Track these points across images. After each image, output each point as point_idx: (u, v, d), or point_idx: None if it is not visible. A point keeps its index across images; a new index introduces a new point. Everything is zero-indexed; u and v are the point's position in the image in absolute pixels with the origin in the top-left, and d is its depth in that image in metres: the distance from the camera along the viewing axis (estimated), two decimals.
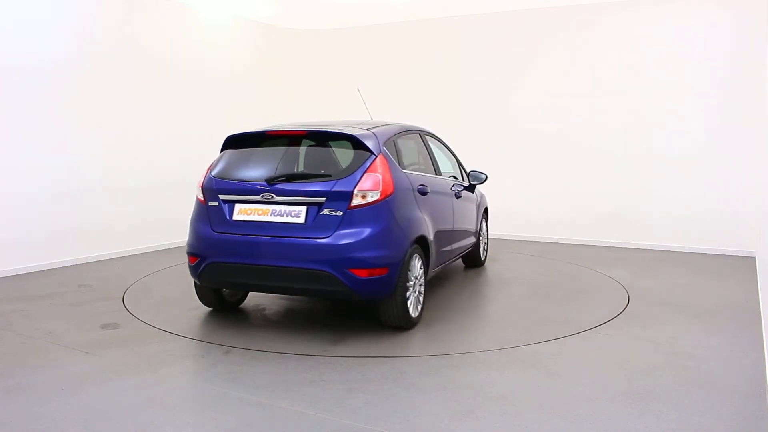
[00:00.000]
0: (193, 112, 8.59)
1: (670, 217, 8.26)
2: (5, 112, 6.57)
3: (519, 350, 4.40)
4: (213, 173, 4.94)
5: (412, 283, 4.77)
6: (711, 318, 5.20)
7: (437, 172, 5.81)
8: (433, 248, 5.17)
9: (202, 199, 4.90)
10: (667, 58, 8.14)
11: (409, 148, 5.55)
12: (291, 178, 4.68)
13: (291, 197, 4.54)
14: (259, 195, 4.61)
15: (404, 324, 4.73)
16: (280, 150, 4.94)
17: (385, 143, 4.82)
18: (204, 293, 5.23)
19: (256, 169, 4.86)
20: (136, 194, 7.87)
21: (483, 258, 7.32)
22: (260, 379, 3.83)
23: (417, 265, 4.87)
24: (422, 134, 5.89)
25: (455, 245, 6.01)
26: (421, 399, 3.55)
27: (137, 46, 7.91)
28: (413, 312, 4.82)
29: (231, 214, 4.71)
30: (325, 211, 4.44)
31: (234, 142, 5.10)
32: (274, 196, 4.56)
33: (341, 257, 4.35)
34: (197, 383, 3.78)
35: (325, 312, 5.37)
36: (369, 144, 4.64)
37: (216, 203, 4.79)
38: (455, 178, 6.37)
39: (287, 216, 4.53)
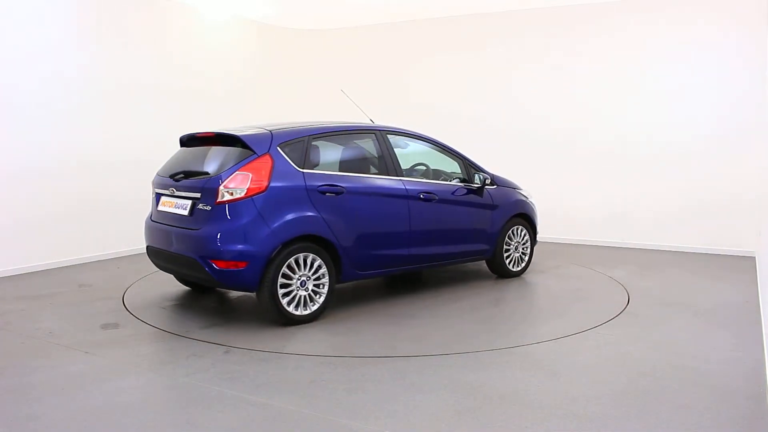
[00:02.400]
0: (193, 112, 8.57)
1: (670, 217, 8.26)
2: (5, 115, 6.58)
3: (519, 350, 4.40)
4: (158, 169, 5.58)
5: (295, 281, 4.89)
6: (711, 318, 5.20)
7: (393, 172, 5.62)
8: (348, 250, 5.18)
9: (153, 191, 5.55)
10: (668, 57, 8.13)
11: (337, 148, 5.58)
12: (188, 175, 5.11)
13: (182, 192, 5.07)
14: (168, 189, 5.22)
15: (279, 319, 4.89)
16: (197, 150, 5.44)
17: (282, 144, 5.03)
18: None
19: (177, 166, 5.36)
20: (136, 193, 7.84)
21: (517, 268, 6.68)
22: (260, 379, 3.84)
23: (313, 263, 4.98)
24: (381, 134, 5.73)
25: (419, 250, 5.77)
26: (421, 399, 3.55)
27: (137, 45, 7.91)
28: (299, 310, 4.92)
29: (157, 205, 5.37)
30: (200, 206, 4.88)
31: (182, 142, 5.67)
32: (175, 190, 5.14)
33: (204, 248, 4.76)
34: (197, 383, 3.78)
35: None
36: (252, 145, 4.94)
37: (154, 195, 5.49)
38: (464, 180, 6.31)
39: (180, 209, 5.07)
